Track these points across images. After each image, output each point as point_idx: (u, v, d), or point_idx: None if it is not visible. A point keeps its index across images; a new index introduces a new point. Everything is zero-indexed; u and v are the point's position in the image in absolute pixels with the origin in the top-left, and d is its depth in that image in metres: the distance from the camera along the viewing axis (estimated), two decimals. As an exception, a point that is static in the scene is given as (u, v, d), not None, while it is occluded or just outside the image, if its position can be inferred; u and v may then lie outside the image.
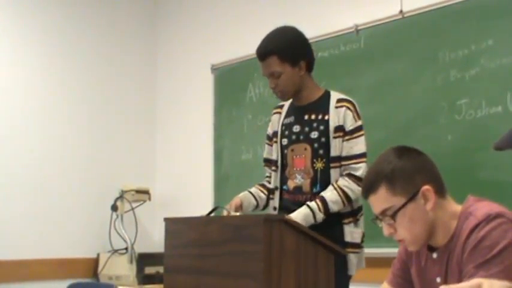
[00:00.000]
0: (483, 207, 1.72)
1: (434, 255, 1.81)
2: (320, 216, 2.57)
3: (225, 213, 2.69)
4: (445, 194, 1.79)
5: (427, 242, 1.80)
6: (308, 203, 2.60)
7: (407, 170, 1.75)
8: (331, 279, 2.46)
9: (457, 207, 1.79)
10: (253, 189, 2.87)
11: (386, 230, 1.79)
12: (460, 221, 1.74)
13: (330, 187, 2.62)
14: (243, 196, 2.80)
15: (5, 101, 4.26)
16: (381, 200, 1.76)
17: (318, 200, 2.59)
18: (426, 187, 1.74)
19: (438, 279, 1.78)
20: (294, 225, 2.37)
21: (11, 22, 4.37)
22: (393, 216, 1.75)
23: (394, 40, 3.55)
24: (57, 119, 4.50)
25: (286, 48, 2.68)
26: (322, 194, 2.61)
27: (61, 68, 4.57)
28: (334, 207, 2.59)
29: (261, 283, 2.24)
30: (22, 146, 4.30)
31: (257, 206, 2.84)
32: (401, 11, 3.51)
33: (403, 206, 1.73)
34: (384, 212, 1.76)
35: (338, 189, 2.60)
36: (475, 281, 1.38)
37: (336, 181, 2.63)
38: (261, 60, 2.72)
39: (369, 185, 1.79)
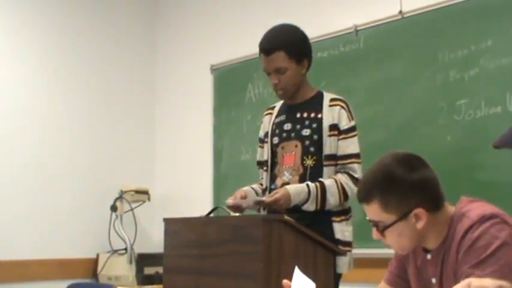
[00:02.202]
0: (477, 208, 1.71)
1: (429, 256, 1.81)
2: (311, 207, 2.55)
3: (229, 202, 2.63)
4: (441, 206, 1.77)
5: (416, 247, 1.81)
6: (310, 185, 2.56)
7: (403, 189, 1.72)
8: (331, 279, 2.47)
9: (451, 209, 1.78)
10: (254, 186, 2.86)
11: (375, 235, 1.79)
12: (453, 222, 1.74)
13: (330, 179, 2.60)
14: (248, 189, 2.78)
15: (5, 102, 4.26)
16: (372, 212, 1.76)
17: (319, 189, 2.55)
18: (419, 209, 1.71)
19: (433, 280, 1.79)
20: (293, 226, 2.37)
21: (11, 23, 4.36)
22: (382, 231, 1.75)
23: (394, 40, 3.55)
24: (57, 119, 4.50)
25: (295, 44, 2.66)
26: (323, 180, 2.58)
27: (61, 68, 4.57)
28: (330, 200, 2.57)
29: (260, 283, 2.25)
30: (22, 146, 4.30)
31: None
32: (400, 12, 3.51)
33: (393, 223, 1.73)
34: (374, 223, 1.77)
35: (338, 183, 2.58)
36: (465, 281, 1.38)
37: (335, 175, 2.62)
38: (266, 55, 2.66)
39: (363, 194, 1.78)
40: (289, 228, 2.36)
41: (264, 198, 2.61)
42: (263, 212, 2.73)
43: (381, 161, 1.79)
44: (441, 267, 1.76)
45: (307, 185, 2.57)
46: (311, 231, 2.42)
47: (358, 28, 3.70)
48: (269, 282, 2.26)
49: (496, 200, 1.82)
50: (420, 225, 1.72)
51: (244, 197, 2.67)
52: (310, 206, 2.56)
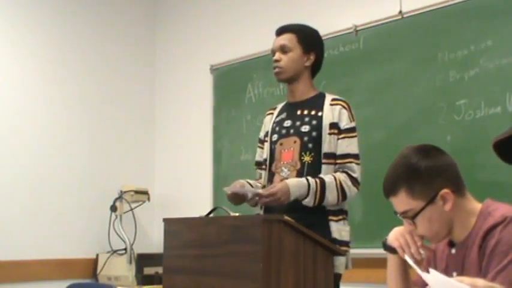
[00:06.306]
0: (502, 208, 1.75)
1: (453, 250, 1.85)
2: (310, 203, 2.57)
3: (228, 190, 2.65)
4: (464, 192, 1.83)
5: (447, 236, 1.84)
6: (310, 180, 2.56)
7: (426, 174, 1.78)
8: (330, 279, 2.46)
9: (477, 205, 1.82)
10: (251, 181, 2.85)
11: (407, 227, 1.85)
12: (479, 219, 1.77)
13: (329, 176, 2.60)
14: (244, 182, 2.76)
15: (5, 102, 4.26)
16: (401, 202, 1.81)
17: (318, 185, 2.56)
18: (445, 191, 1.77)
19: (454, 274, 1.81)
20: (293, 226, 2.37)
21: (10, 24, 4.36)
22: (413, 218, 1.80)
23: (393, 41, 3.55)
24: (57, 119, 4.50)
25: (306, 33, 2.78)
26: (322, 176, 2.59)
27: (60, 69, 4.56)
28: (328, 198, 2.57)
29: (260, 283, 2.24)
30: (21, 146, 4.29)
31: None
32: (400, 12, 3.51)
33: (422, 209, 1.78)
34: (404, 213, 1.82)
35: (337, 181, 2.59)
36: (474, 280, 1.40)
37: (334, 173, 2.62)
38: (278, 35, 2.80)
39: (389, 187, 1.83)
40: (289, 228, 2.36)
41: (261, 191, 2.61)
42: (260, 211, 2.73)
43: (399, 155, 1.86)
44: (462, 261, 1.79)
45: (307, 179, 2.57)
46: (311, 231, 2.42)
47: (358, 28, 3.70)
48: (269, 282, 2.26)
49: (496, 200, 1.83)
50: (448, 206, 1.77)
51: (243, 185, 2.69)
52: (309, 202, 2.57)
